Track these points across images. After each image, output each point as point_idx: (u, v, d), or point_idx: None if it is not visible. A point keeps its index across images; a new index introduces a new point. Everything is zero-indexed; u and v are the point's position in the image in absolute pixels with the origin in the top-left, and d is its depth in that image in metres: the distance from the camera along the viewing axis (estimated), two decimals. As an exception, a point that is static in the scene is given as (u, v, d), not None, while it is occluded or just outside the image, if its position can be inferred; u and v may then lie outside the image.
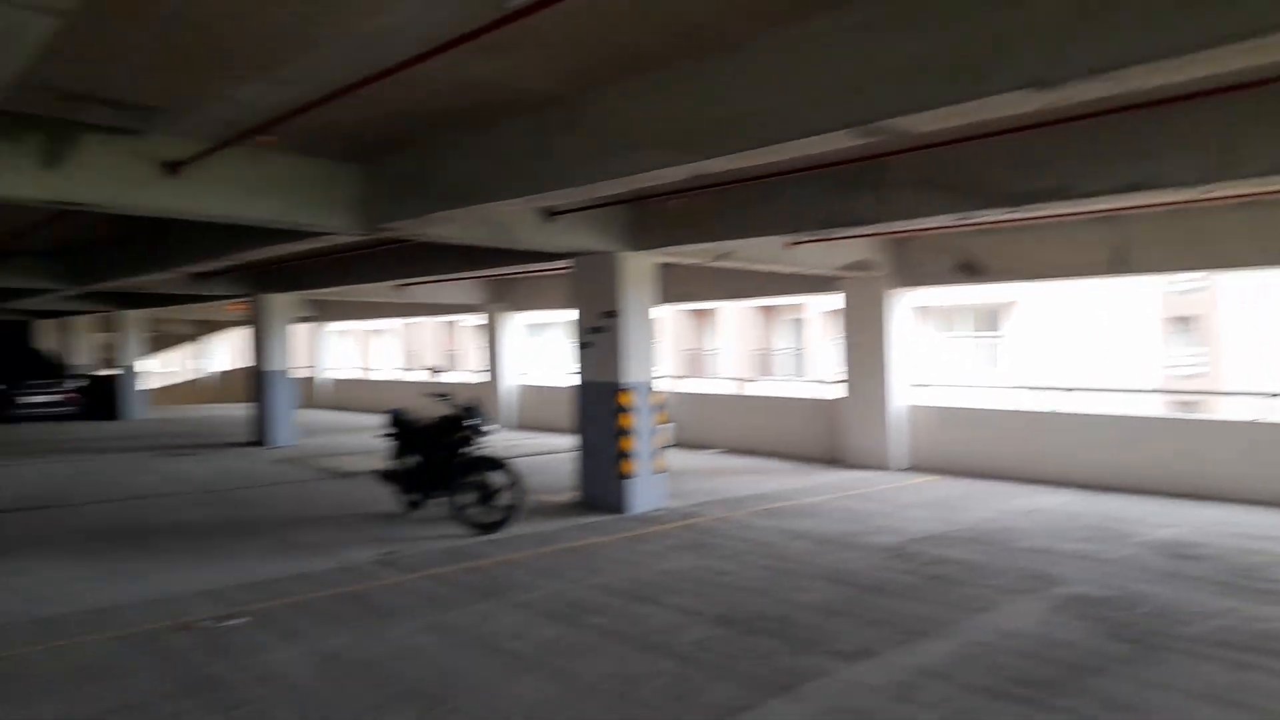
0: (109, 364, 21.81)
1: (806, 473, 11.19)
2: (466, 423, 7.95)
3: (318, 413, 22.34)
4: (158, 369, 26.69)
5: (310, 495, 9.94)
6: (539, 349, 25.09)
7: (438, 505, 8.13)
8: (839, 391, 12.16)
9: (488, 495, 7.75)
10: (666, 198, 7.80)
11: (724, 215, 8.13)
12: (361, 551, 7.05)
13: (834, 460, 12.05)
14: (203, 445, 14.98)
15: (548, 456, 12.72)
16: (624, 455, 8.54)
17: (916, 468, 11.27)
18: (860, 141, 4.21)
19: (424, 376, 24.11)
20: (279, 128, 5.49)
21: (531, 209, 7.78)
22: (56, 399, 19.54)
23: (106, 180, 5.89)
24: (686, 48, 4.46)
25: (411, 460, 8.33)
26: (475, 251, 10.32)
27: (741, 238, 8.24)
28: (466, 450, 7.89)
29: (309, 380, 24.94)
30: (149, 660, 4.61)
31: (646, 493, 8.69)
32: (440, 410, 8.28)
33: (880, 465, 11.33)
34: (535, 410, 17.36)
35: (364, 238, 7.79)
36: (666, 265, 10.90)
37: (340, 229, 7.17)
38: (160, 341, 27.86)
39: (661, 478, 8.95)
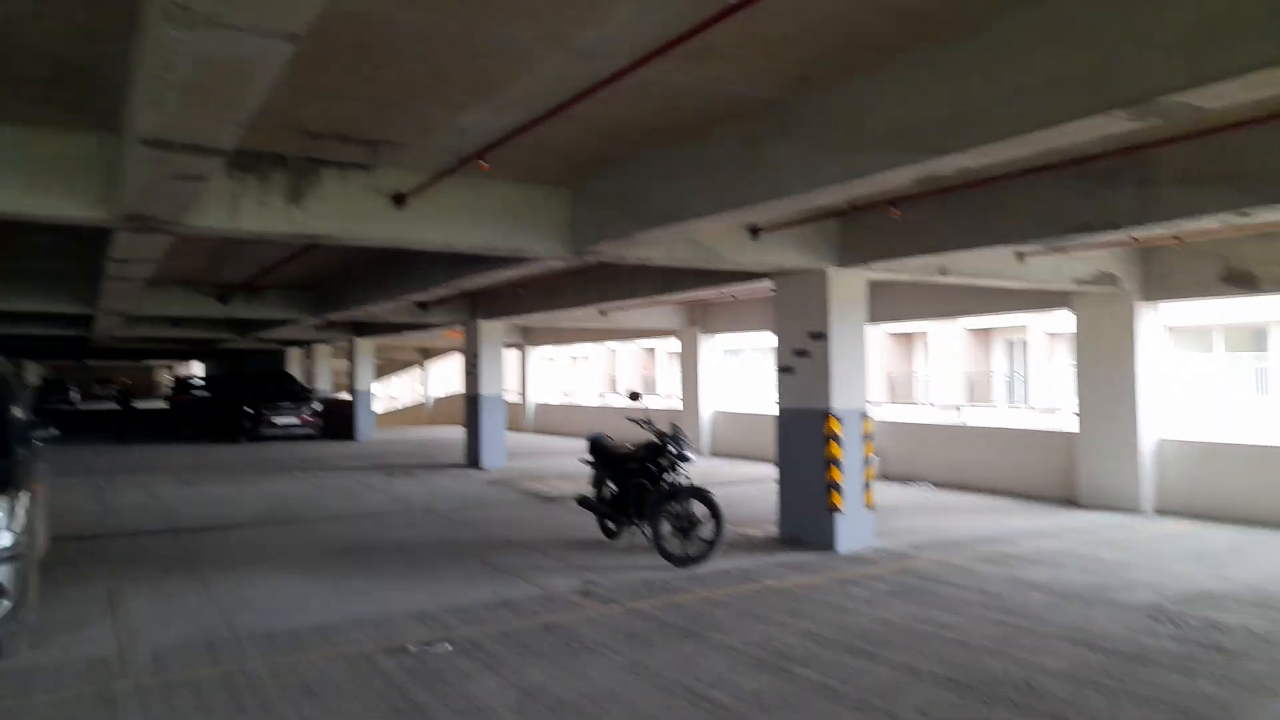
0: (345, 388, 23.85)
1: (1035, 513, 10.11)
2: (667, 449, 7.73)
3: (525, 436, 23.21)
4: (385, 393, 28.95)
5: (515, 518, 10.15)
6: (735, 373, 24.81)
7: (637, 534, 7.99)
8: (1071, 421, 10.93)
9: (688, 526, 7.50)
10: (882, 207, 7.22)
11: (947, 224, 7.36)
12: (562, 579, 7.00)
13: (1067, 500, 10.83)
14: (421, 466, 15.87)
15: (745, 486, 12.34)
16: (831, 488, 8.02)
17: (1168, 510, 9.88)
18: (1129, 127, 3.59)
19: (624, 402, 24.52)
20: (493, 153, 5.59)
21: (735, 227, 7.51)
22: (299, 421, 21.47)
23: (341, 214, 6.26)
24: (918, 34, 4.02)
25: (611, 487, 8.24)
26: (675, 274, 10.22)
27: (966, 249, 7.37)
28: (667, 478, 7.68)
29: (517, 405, 26.06)
30: (361, 682, 4.70)
31: (855, 530, 8.11)
32: (640, 436, 8.15)
33: (1125, 506, 10.03)
34: (731, 437, 17.06)
35: (571, 263, 7.87)
36: (873, 283, 10.28)
37: (550, 253, 7.26)
38: (387, 367, 30.29)
39: (870, 514, 8.33)
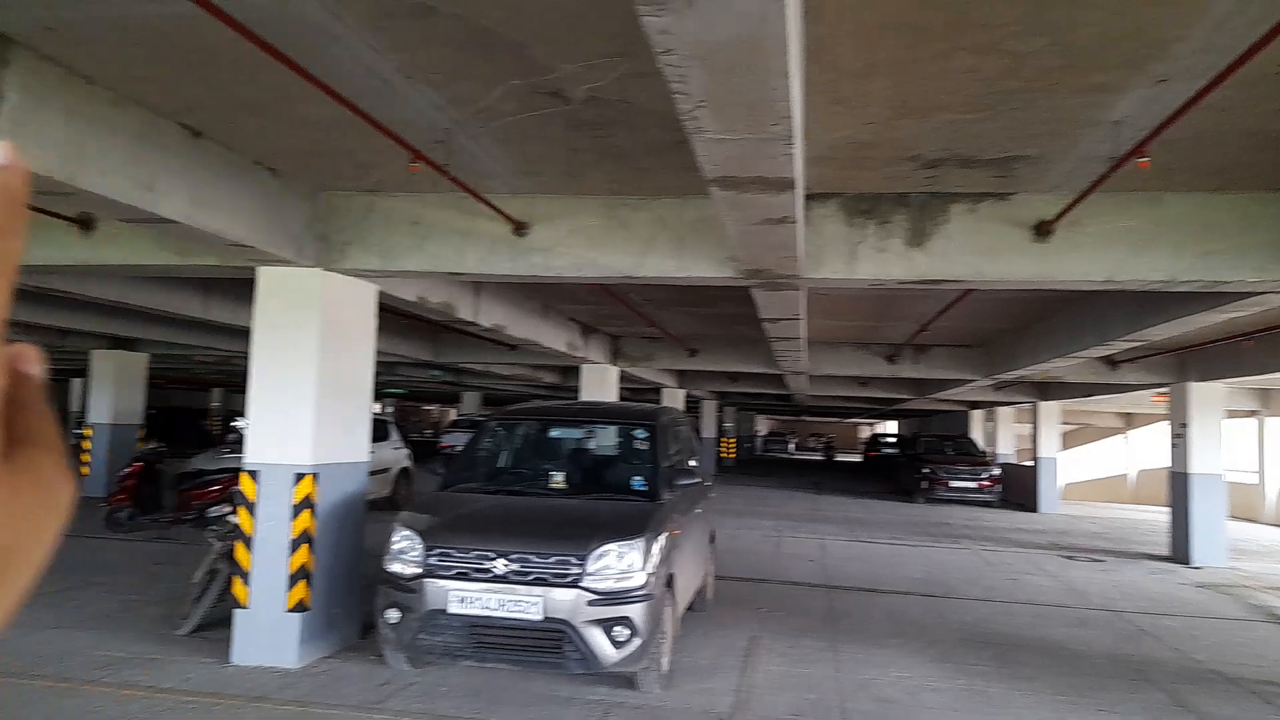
0: (1026, 454, 22.07)
1: None
2: None
3: (1262, 529, 18.19)
4: (1075, 461, 26.01)
5: (1232, 641, 7.57)
6: None
7: None
8: None
9: None
10: None
11: None
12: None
13: None
14: (1109, 552, 13.44)
15: None
16: None
17: None
18: None
19: None
20: (1164, 151, 4.10)
21: None
22: (976, 485, 20.47)
23: (967, 253, 5.40)
24: None
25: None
26: None
27: None
28: None
29: (1252, 487, 20.67)
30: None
31: None
32: None
33: None
34: None
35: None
36: None
37: (1269, 286, 5.17)
38: (1080, 434, 27.22)
39: None
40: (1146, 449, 25.76)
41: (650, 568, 5.23)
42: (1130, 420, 25.96)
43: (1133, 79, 3.65)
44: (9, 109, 3.54)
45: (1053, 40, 3.30)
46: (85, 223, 6.07)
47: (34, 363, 0.39)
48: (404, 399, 40.17)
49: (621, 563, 5.13)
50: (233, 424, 10.39)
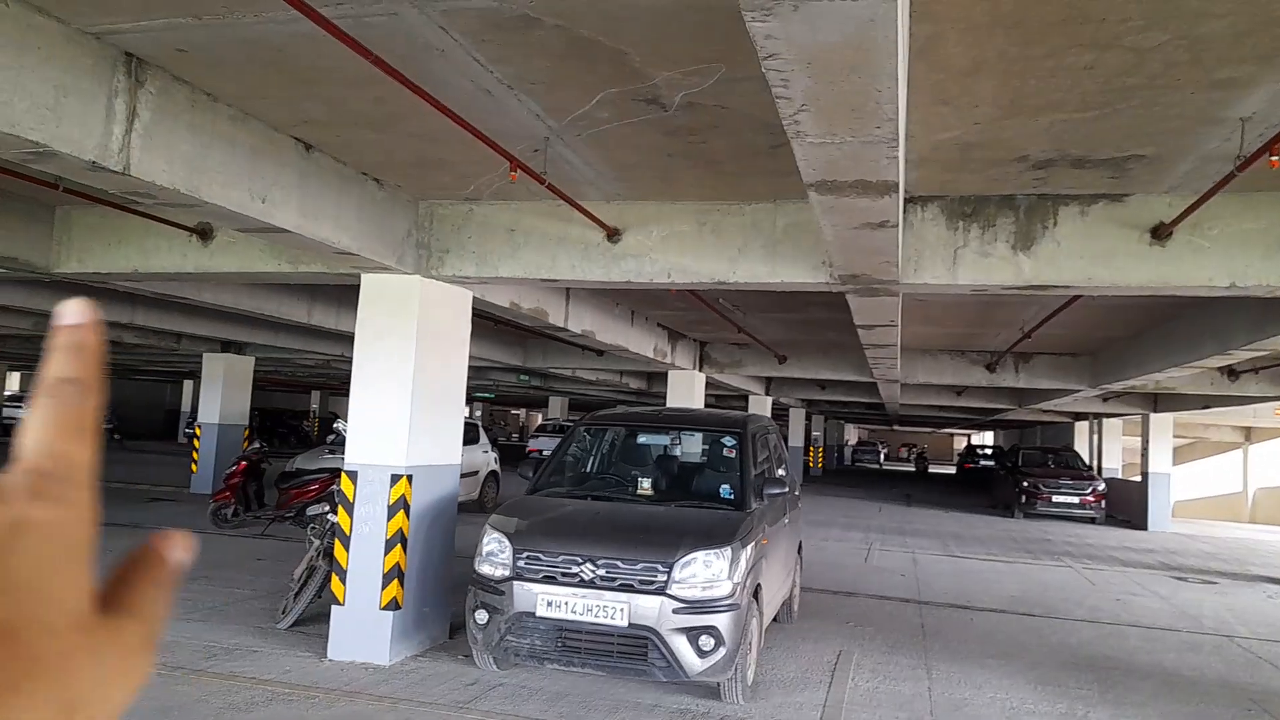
0: (1134, 469, 21.01)
1: None
2: None
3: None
4: (1189, 477, 24.64)
5: (1369, 677, 7.01)
6: None
7: None
8: None
9: None
10: None
11: None
12: None
13: None
14: (1225, 575, 12.64)
15: None
16: None
17: None
18: None
19: None
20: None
21: None
22: (1079, 501, 19.58)
23: (1079, 257, 5.17)
24: None
25: None
26: None
27: None
28: None
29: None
30: None
31: None
32: None
33: None
34: None
35: None
36: None
37: None
38: (1194, 448, 25.77)
39: None
40: (1267, 465, 24.18)
41: (737, 577, 5.17)
42: (1250, 435, 24.45)
43: (1264, 73, 3.43)
44: (141, 127, 3.75)
45: (1177, 34, 3.12)
46: (204, 233, 6.38)
47: (181, 551, 0.41)
48: (492, 403, 40.99)
49: (708, 571, 5.08)
50: (334, 425, 10.76)
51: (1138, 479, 19.81)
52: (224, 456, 14.48)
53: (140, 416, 34.48)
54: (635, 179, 5.32)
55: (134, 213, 5.97)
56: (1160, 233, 4.94)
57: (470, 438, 13.37)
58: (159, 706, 4.79)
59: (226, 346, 15.24)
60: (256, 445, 12.39)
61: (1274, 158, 3.69)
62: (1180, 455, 24.15)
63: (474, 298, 6.71)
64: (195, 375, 26.03)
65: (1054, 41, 3.20)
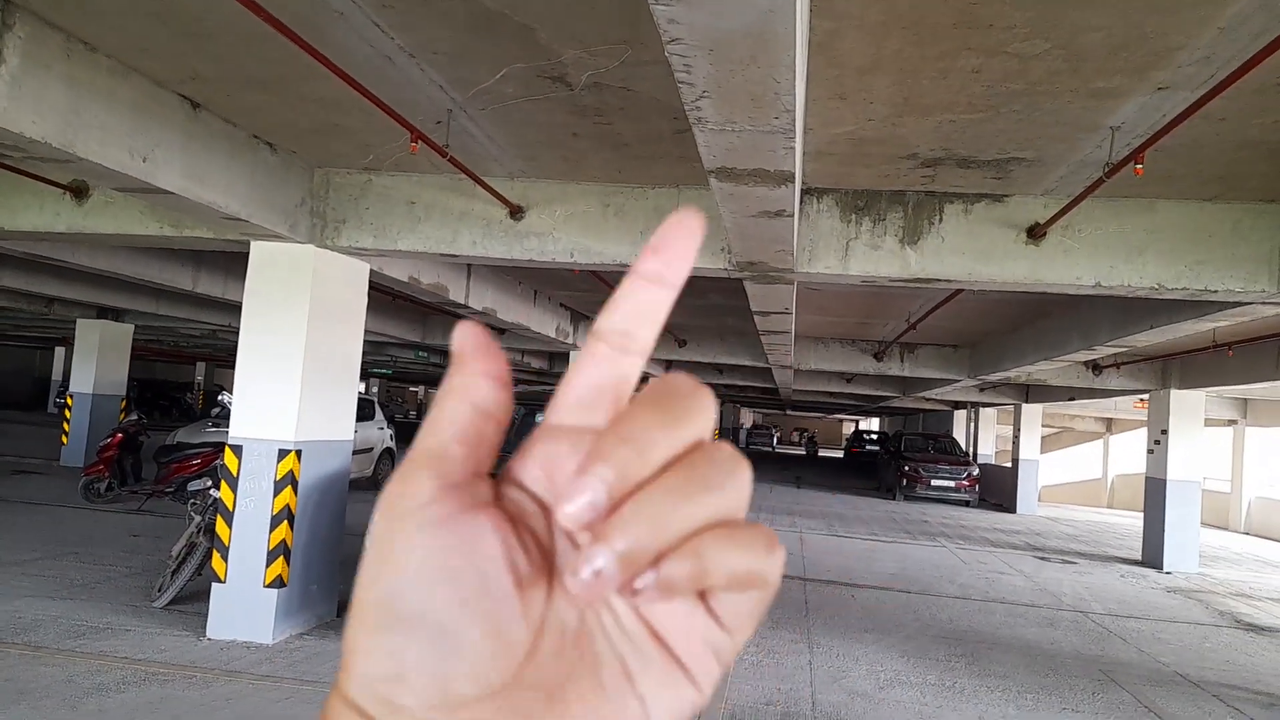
0: (1007, 455, 22.28)
1: None
2: None
3: (1232, 537, 18.47)
4: (1056, 464, 26.27)
5: (1199, 646, 7.70)
6: None
7: None
8: None
9: None
10: None
11: None
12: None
13: None
14: (1083, 555, 13.61)
15: None
16: None
17: None
18: None
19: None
20: (1161, 159, 4.15)
21: None
22: (955, 485, 20.66)
23: (961, 253, 5.44)
24: None
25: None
26: None
27: None
28: None
29: (1223, 495, 20.98)
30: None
31: None
32: None
33: None
34: None
35: (1293, 309, 5.61)
36: None
37: (1256, 296, 5.24)
38: (1061, 437, 27.48)
39: None
40: (1125, 454, 26.08)
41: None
42: (1111, 425, 26.25)
43: (1135, 85, 3.68)
44: (8, 73, 3.50)
45: (1058, 44, 3.32)
46: (78, 190, 6.01)
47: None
48: (390, 379, 40.04)
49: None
50: (219, 398, 10.33)
51: (1009, 465, 21.03)
52: (98, 428, 13.74)
53: (6, 384, 32.25)
54: (540, 157, 5.29)
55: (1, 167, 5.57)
56: (1035, 233, 5.25)
57: (365, 414, 13.06)
58: (18, 689, 4.54)
59: (103, 313, 14.39)
60: (134, 417, 11.77)
61: (1139, 166, 3.98)
62: (1048, 444, 25.73)
63: (371, 271, 6.55)
64: (68, 342, 24.49)
65: (946, 44, 3.36)
